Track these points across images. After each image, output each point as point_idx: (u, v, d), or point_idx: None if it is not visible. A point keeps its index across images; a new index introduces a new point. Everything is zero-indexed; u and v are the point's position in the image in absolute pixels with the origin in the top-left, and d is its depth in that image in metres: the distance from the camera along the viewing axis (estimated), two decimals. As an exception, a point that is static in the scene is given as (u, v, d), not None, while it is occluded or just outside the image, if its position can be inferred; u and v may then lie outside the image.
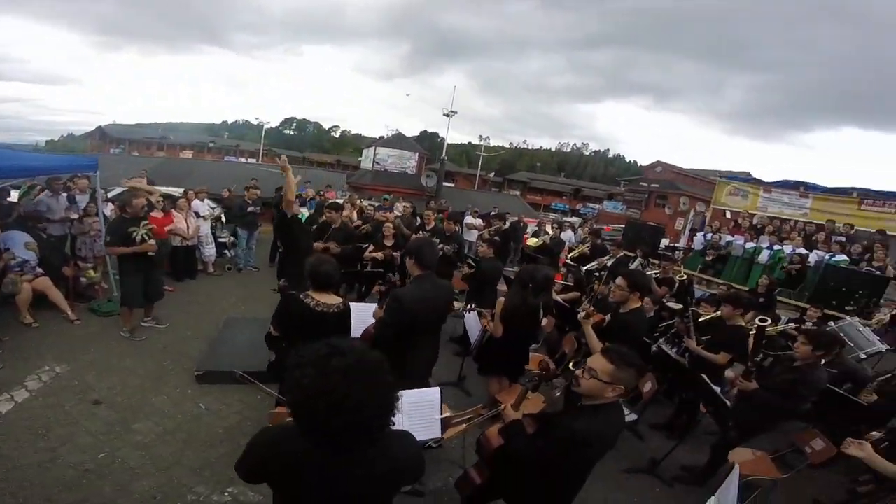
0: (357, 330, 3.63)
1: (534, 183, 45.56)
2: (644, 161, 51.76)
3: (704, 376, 3.42)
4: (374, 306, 3.88)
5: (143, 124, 70.79)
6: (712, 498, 1.75)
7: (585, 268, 6.84)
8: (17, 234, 4.86)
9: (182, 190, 7.44)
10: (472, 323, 4.27)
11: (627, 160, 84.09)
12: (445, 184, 31.24)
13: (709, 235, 9.57)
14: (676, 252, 10.23)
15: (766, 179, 11.60)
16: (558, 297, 5.69)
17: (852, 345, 5.01)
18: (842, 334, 4.97)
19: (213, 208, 7.53)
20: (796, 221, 9.77)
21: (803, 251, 8.02)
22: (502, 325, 3.51)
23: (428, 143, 61.83)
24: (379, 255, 5.88)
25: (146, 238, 4.39)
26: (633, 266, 7.34)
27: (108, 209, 6.15)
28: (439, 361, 3.43)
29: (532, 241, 8.46)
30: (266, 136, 41.43)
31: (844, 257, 7.66)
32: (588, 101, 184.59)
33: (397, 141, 23.87)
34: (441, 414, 2.47)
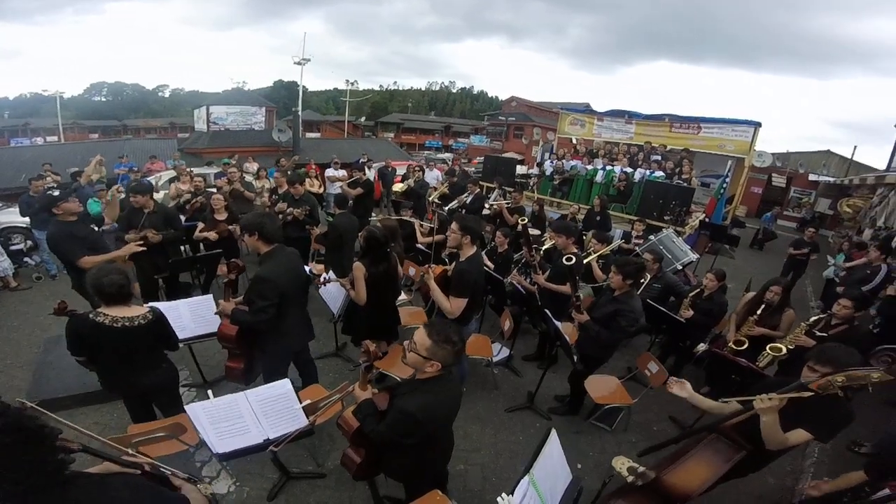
0: (200, 328, 3.33)
1: (407, 124, 44.79)
2: (503, 96, 53.94)
3: (547, 311, 3.59)
4: (209, 300, 3.49)
5: None
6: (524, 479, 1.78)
7: (447, 207, 6.95)
8: None
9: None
10: (332, 294, 4.07)
11: (490, 96, 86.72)
12: (310, 135, 28.93)
13: (555, 162, 10.44)
14: (531, 179, 11.06)
15: (600, 110, 12.93)
16: (422, 243, 5.71)
17: (670, 256, 5.74)
18: (661, 247, 5.73)
19: None
20: (624, 145, 11.15)
21: (629, 170, 9.23)
22: (364, 286, 3.33)
23: (286, 93, 55.51)
24: (212, 234, 5.08)
25: None
26: (493, 197, 7.72)
27: None
28: (315, 331, 3.31)
29: (398, 187, 8.29)
30: (66, 108, 32.84)
31: (661, 173, 9.02)
32: (451, 41, 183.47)
33: (238, 96, 20.74)
34: (299, 403, 2.42)
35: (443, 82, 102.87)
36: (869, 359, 2.24)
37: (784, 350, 3.48)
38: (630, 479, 2.28)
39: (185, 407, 2.28)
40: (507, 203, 6.81)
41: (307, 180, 9.06)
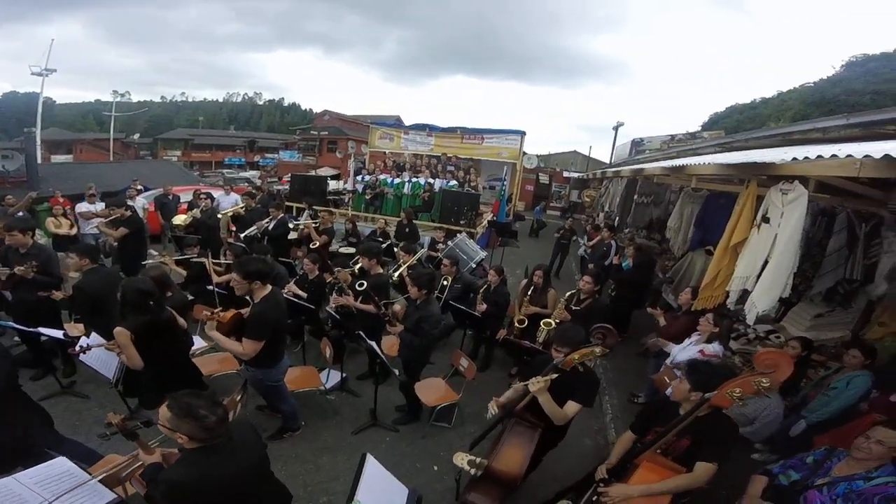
0: None
1: (198, 139, 39.02)
2: (317, 109, 52.60)
3: (361, 333, 3.66)
4: None
5: None
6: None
7: (244, 234, 6.37)
8: None
9: None
10: (100, 358, 3.37)
11: (304, 109, 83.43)
12: (58, 158, 22.73)
13: (367, 177, 10.70)
14: (345, 195, 11.07)
15: (409, 122, 13.89)
16: (219, 283, 5.07)
17: (465, 257, 6.46)
18: (457, 250, 6.44)
19: None
20: (426, 157, 12.15)
21: (431, 180, 10.11)
22: (136, 351, 2.85)
23: (23, 108, 42.11)
24: None
25: None
26: (302, 218, 7.42)
27: None
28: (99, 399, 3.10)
29: (180, 219, 7.10)
30: None
31: (455, 182, 10.15)
32: (259, 51, 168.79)
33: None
34: (90, 475, 2.19)
35: (246, 93, 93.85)
36: (589, 336, 2.97)
37: (553, 324, 4.33)
38: (472, 471, 2.53)
39: None
40: (316, 224, 6.65)
41: (50, 220, 7.07)
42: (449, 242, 6.86)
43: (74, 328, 4.17)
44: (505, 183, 10.68)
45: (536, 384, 2.47)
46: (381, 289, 4.42)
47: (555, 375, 2.51)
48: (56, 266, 4.23)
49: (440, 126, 13.17)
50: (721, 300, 3.68)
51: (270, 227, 6.47)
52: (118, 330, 2.82)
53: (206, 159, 35.23)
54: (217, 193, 8.67)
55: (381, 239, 7.09)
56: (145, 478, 2.04)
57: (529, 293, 4.77)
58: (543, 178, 22.63)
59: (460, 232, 7.59)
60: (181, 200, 8.76)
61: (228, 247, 5.69)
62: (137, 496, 2.36)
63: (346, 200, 10.74)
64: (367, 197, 10.17)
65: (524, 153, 13.35)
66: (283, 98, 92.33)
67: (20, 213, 7.03)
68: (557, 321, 4.35)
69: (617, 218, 10.79)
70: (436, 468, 3.49)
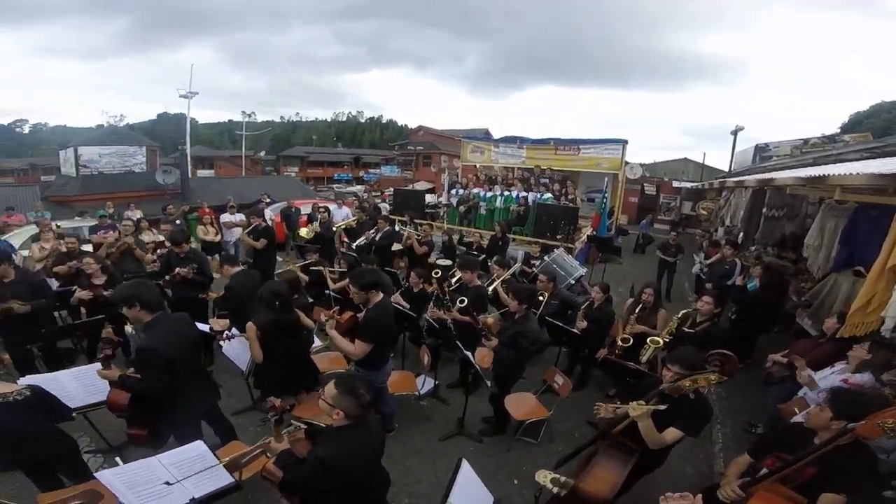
0: (91, 396, 3.16)
1: (312, 156, 43.61)
2: (412, 125, 55.51)
3: (459, 343, 3.83)
4: (93, 369, 3.15)
5: None
6: None
7: (355, 244, 6.96)
8: None
9: None
10: (236, 350, 3.94)
11: (399, 125, 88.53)
12: (203, 172, 26.96)
13: (460, 191, 11.01)
14: (440, 209, 11.49)
15: (498, 134, 14.05)
16: (334, 290, 5.61)
17: (563, 273, 6.33)
18: (554, 266, 6.34)
19: None
20: (518, 169, 12.12)
21: (524, 194, 10.06)
22: (260, 346, 3.31)
23: (173, 127, 51.05)
24: (84, 294, 4.61)
25: None
26: (406, 230, 7.88)
27: None
28: (229, 389, 3.25)
29: (303, 232, 8.01)
30: None
31: (549, 195, 9.96)
32: (356, 71, 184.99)
33: (114, 135, 18.62)
34: (217, 461, 2.43)
35: (350, 112, 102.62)
36: (705, 362, 2.77)
37: (661, 342, 4.10)
38: (555, 490, 2.52)
39: (96, 475, 2.24)
40: (418, 235, 7.02)
41: (200, 228, 8.45)
42: (545, 257, 6.75)
43: (218, 323, 4.81)
44: (606, 195, 10.17)
45: (638, 409, 2.38)
46: (478, 301, 4.54)
47: (662, 407, 2.39)
48: (209, 268, 5.09)
49: (531, 138, 13.04)
50: (874, 327, 3.22)
51: (377, 238, 7.01)
52: (249, 325, 3.31)
53: (319, 175, 38.96)
54: (331, 207, 9.63)
55: (476, 252, 7.26)
56: (280, 464, 2.22)
57: (637, 312, 4.53)
58: (649, 189, 21.02)
59: (557, 247, 7.41)
60: (301, 213, 9.90)
61: (342, 256, 6.30)
62: (251, 481, 2.64)
63: (441, 214, 11.14)
64: (461, 210, 10.43)
65: (626, 163, 12.61)
66: (381, 115, 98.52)
67: (177, 221, 8.55)
68: (666, 340, 4.12)
69: (741, 233, 9.64)
70: (516, 482, 3.49)
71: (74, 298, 4.66)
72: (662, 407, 2.39)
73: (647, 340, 4.20)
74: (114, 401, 2.82)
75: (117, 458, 2.46)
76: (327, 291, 5.36)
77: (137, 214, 8.52)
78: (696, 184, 19.78)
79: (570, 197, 9.86)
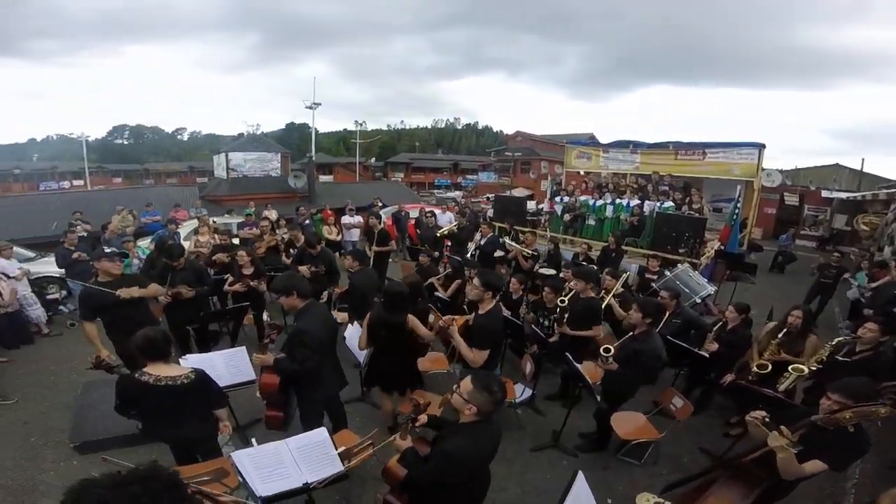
0: (234, 377, 3.55)
1: (416, 163, 45.93)
2: (507, 131, 55.44)
3: (568, 355, 3.69)
4: (242, 352, 3.69)
5: None
6: None
7: (469, 254, 7.06)
8: None
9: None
10: (355, 342, 4.17)
11: (495, 130, 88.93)
12: (323, 178, 29.83)
13: (565, 198, 10.59)
14: (542, 217, 11.19)
15: (604, 139, 13.23)
16: (441, 292, 5.77)
17: (688, 290, 5.74)
18: (678, 282, 5.75)
19: (28, 259, 6.05)
20: (631, 176, 11.28)
21: (639, 202, 9.31)
22: (368, 338, 3.53)
23: (297, 135, 57.48)
24: (238, 286, 5.36)
25: None
26: (508, 240, 7.82)
27: None
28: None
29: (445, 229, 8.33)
30: (91, 151, 34.41)
31: (670, 203, 9.07)
32: (452, 79, 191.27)
33: (254, 142, 21.46)
34: (335, 449, 2.55)
35: (447, 119, 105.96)
36: (877, 394, 2.34)
37: (806, 371, 3.56)
38: None
39: (232, 454, 2.44)
40: (523, 249, 6.89)
41: (325, 228, 9.34)
42: (667, 272, 6.16)
43: (339, 315, 5.20)
44: (738, 205, 8.95)
45: (780, 440, 2.12)
46: (591, 313, 4.31)
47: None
48: (336, 266, 5.58)
49: (646, 142, 12.04)
50: None
51: (482, 243, 7.06)
52: (369, 315, 3.51)
53: (422, 180, 40.93)
54: (436, 211, 9.98)
55: (584, 263, 6.92)
56: (405, 461, 2.28)
57: (780, 336, 3.92)
58: (791, 200, 18.08)
59: (680, 262, 6.70)
60: (410, 216, 10.41)
61: (447, 260, 6.45)
62: (357, 470, 2.73)
63: (543, 222, 10.83)
64: (567, 219, 10.02)
65: (762, 169, 10.98)
66: (477, 122, 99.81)
67: (306, 221, 9.53)
68: (814, 368, 3.60)
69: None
70: (609, 501, 3.28)
71: (227, 287, 5.44)
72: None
73: (789, 368, 3.67)
74: (265, 383, 3.07)
75: (252, 440, 2.65)
76: (437, 293, 5.55)
77: (274, 214, 9.75)
78: (853, 194, 16.54)
79: (695, 206, 8.86)
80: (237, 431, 3.83)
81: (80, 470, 3.60)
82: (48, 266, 6.86)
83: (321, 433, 2.63)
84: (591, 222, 9.67)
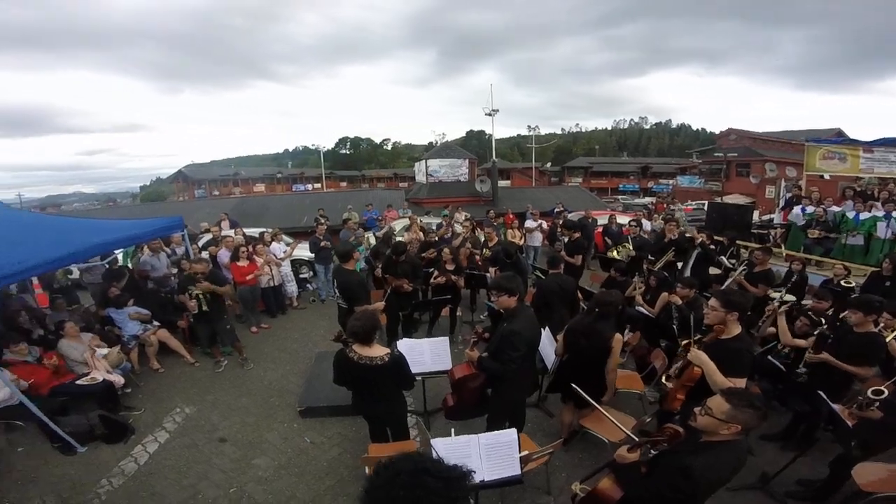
0: (435, 365, 3.83)
1: (595, 167, 43.44)
2: (711, 129, 47.30)
3: (822, 394, 3.06)
4: (445, 342, 3.99)
5: (216, 161, 78.85)
6: None
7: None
8: (122, 312, 5.50)
9: (259, 232, 8.03)
10: (546, 349, 4.13)
11: (693, 129, 77.35)
12: (502, 183, 30.91)
13: (807, 208, 8.40)
14: (773, 231, 9.11)
15: (855, 134, 10.03)
16: (643, 307, 5.31)
17: None
18: None
19: (288, 244, 7.93)
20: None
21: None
22: (564, 346, 3.47)
23: (476, 142, 61.14)
24: (441, 279, 5.95)
25: (197, 298, 5.07)
26: (726, 258, 6.62)
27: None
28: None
29: (616, 254, 7.79)
30: (326, 159, 43.51)
31: None
32: (633, 76, 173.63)
33: (446, 150, 23.67)
34: (520, 452, 2.58)
35: (631, 119, 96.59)
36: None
37: None
38: None
39: (431, 441, 2.59)
40: (743, 271, 5.72)
41: (509, 231, 9.61)
42: None
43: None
44: None
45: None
46: (873, 350, 3.38)
47: None
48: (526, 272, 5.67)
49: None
50: None
51: (692, 262, 6.18)
52: (616, 336, 3.37)
53: (603, 186, 38.47)
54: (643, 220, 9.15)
55: (839, 290, 5.35)
56: (623, 476, 2.17)
57: None
58: None
59: None
60: (597, 223, 9.87)
61: (650, 275, 5.83)
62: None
63: (774, 236, 8.81)
64: (815, 236, 7.92)
65: None
66: (669, 120, 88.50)
67: (494, 223, 9.96)
68: None
69: None
70: None
71: (433, 280, 6.09)
72: None
73: None
74: (452, 374, 3.41)
75: (452, 430, 2.78)
76: (639, 308, 5.10)
77: (463, 216, 10.53)
78: None
79: None
80: (423, 415, 4.16)
81: (297, 433, 4.15)
82: (302, 251, 8.62)
83: (511, 434, 2.64)
84: (854, 240, 7.47)
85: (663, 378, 3.43)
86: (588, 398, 2.77)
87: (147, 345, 5.40)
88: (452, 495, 1.03)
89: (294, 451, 3.92)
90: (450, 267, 6.11)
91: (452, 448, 2.57)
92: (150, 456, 3.88)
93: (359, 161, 72.78)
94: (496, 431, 2.72)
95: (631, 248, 7.57)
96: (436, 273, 6.13)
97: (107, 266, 6.69)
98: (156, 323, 5.63)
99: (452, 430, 2.81)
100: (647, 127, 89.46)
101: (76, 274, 7.62)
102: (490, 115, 22.05)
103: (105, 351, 4.85)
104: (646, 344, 4.83)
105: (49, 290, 6.62)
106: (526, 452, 2.65)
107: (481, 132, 54.31)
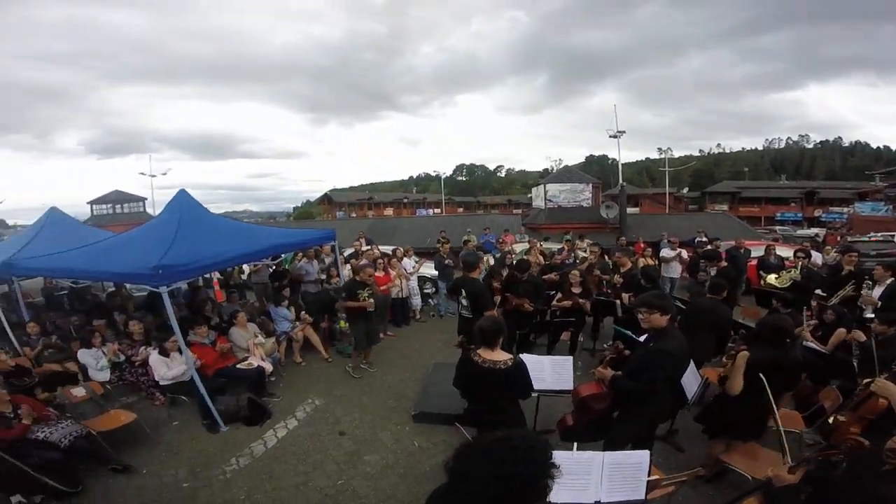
0: (555, 384, 3.74)
1: (745, 192, 37.58)
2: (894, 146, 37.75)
3: None
4: (568, 361, 3.88)
5: (354, 187, 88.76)
6: None
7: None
8: (281, 310, 6.42)
9: (392, 248, 8.76)
10: (687, 379, 3.66)
11: (874, 147, 62.92)
12: (629, 210, 28.89)
13: None
14: None
15: None
16: (812, 342, 4.56)
17: None
18: None
19: (417, 261, 8.49)
20: None
21: None
22: (743, 382, 2.97)
23: (597, 167, 58.35)
24: (566, 303, 5.74)
25: (368, 299, 5.47)
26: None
27: (346, 269, 7.52)
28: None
29: (772, 279, 6.63)
30: (444, 186, 46.10)
31: None
32: (784, 89, 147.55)
33: (566, 174, 22.88)
34: (649, 476, 2.40)
35: (789, 137, 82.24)
36: None
37: None
38: None
39: (553, 452, 2.45)
40: None
41: (640, 260, 8.83)
42: None
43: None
44: None
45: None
46: None
47: None
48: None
49: None
50: None
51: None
52: (742, 353, 3.00)
53: (755, 214, 33.22)
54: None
55: None
56: (774, 499, 2.08)
57: None
58: None
59: None
60: (751, 254, 8.53)
61: (823, 308, 4.89)
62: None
63: None
64: None
65: None
66: (839, 138, 73.19)
67: (624, 247, 9.28)
68: None
69: None
70: None
71: (556, 303, 5.89)
72: None
73: None
74: (577, 392, 3.37)
75: (574, 444, 2.66)
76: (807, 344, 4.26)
77: (586, 243, 10.02)
78: None
79: None
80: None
81: (408, 435, 4.26)
82: (427, 269, 9.19)
83: (643, 455, 2.46)
84: None
85: (831, 419, 3.14)
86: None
87: (294, 340, 6.18)
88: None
89: (402, 453, 4.03)
90: (576, 290, 5.87)
91: (572, 462, 2.41)
92: (279, 441, 4.26)
93: (474, 187, 75.37)
94: (627, 451, 2.57)
95: (796, 273, 6.31)
96: (559, 296, 5.94)
97: (273, 268, 7.92)
98: (300, 321, 6.39)
99: (575, 444, 2.68)
100: (810, 146, 75.83)
101: (246, 275, 9.19)
102: (615, 136, 20.99)
103: (263, 339, 5.69)
104: (810, 383, 4.16)
105: (225, 287, 8.15)
106: (655, 477, 2.47)
107: (603, 157, 51.77)
